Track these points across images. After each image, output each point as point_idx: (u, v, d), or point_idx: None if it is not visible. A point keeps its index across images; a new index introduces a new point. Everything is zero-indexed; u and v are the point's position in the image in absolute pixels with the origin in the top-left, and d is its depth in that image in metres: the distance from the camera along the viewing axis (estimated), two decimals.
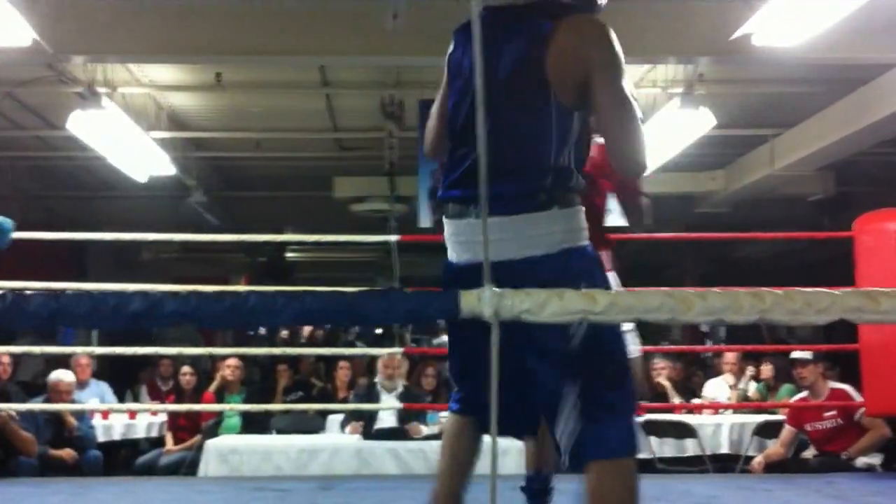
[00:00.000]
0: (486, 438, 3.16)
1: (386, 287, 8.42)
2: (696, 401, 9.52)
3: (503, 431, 2.51)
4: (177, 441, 9.00)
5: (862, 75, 9.46)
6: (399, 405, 7.95)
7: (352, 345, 15.38)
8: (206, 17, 7.88)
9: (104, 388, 9.71)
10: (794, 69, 9.44)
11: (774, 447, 7.89)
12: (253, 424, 8.69)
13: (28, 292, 2.14)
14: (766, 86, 10.32)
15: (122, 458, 9.45)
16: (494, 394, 2.35)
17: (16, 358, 9.93)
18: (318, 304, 2.23)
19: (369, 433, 7.77)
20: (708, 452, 8.26)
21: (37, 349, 8.61)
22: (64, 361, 9.48)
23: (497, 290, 2.09)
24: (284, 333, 17.62)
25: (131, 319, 2.16)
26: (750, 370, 9.58)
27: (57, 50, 8.01)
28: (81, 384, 9.16)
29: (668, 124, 9.99)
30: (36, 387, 9.91)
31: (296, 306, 2.23)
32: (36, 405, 8.08)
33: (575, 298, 2.06)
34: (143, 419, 9.45)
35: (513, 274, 2.66)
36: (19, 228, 6.43)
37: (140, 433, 9.44)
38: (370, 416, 8.07)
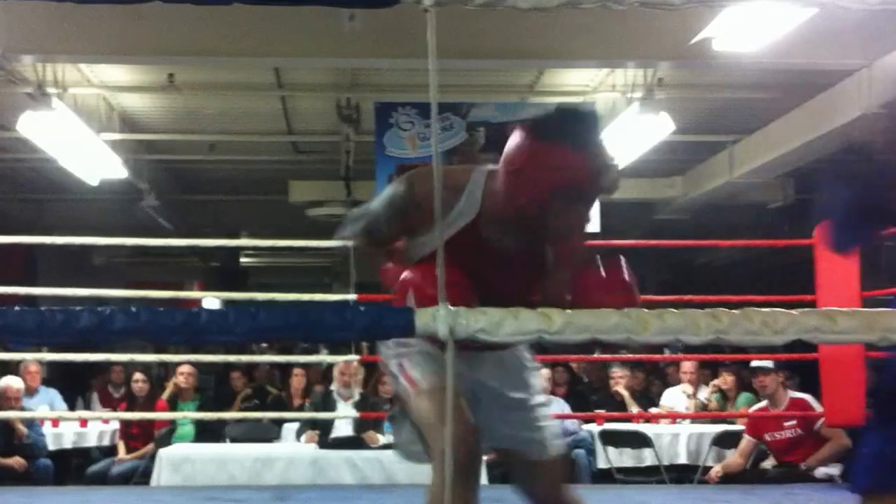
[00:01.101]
0: None
1: (342, 294, 8.31)
2: (654, 410, 9.47)
3: None
4: (129, 450, 8.87)
5: (822, 81, 9.44)
6: (355, 413, 7.85)
7: (309, 351, 15.25)
8: (159, 17, 7.71)
9: (54, 395, 9.53)
10: (754, 74, 9.40)
11: (733, 457, 7.84)
12: (207, 433, 8.56)
13: None
14: (726, 91, 10.29)
15: (74, 467, 9.30)
16: (450, 409, 2.28)
17: None
18: (271, 319, 2.15)
19: (325, 442, 7.66)
20: (665, 462, 8.22)
21: None
22: (13, 368, 9.30)
23: (452, 308, 2.02)
24: None
25: (80, 335, 2.07)
26: (714, 384, 9.53)
27: (5, 49, 7.85)
28: (31, 391, 9.00)
29: (627, 129, 9.94)
30: None
31: (248, 322, 2.14)
32: None
33: (530, 318, 2.00)
34: (95, 427, 9.29)
35: None
36: None
37: (91, 441, 9.28)
38: (326, 425, 7.96)
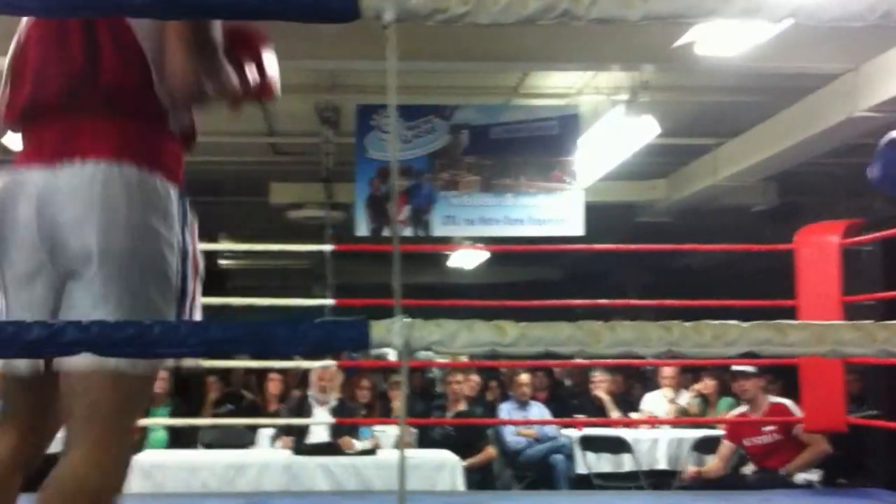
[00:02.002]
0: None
1: (321, 296, 8.25)
2: (634, 415, 9.42)
3: None
4: None
5: (806, 85, 9.41)
6: (331, 420, 7.78)
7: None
8: None
9: None
10: (738, 78, 9.38)
11: (712, 462, 7.80)
12: (180, 438, 8.48)
13: None
14: (710, 94, 10.27)
15: (41, 474, 9.19)
16: (403, 419, 2.23)
17: None
18: (223, 333, 2.11)
19: (300, 448, 7.59)
20: (645, 468, 8.19)
21: None
22: None
23: (408, 320, 2.00)
24: None
25: (29, 348, 2.02)
26: (695, 388, 9.50)
27: None
28: None
29: (612, 132, 9.93)
30: None
31: (200, 335, 2.11)
32: None
33: (484, 330, 1.99)
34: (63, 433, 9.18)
35: None
36: None
37: (58, 447, 9.17)
38: (301, 431, 7.90)
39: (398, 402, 8.88)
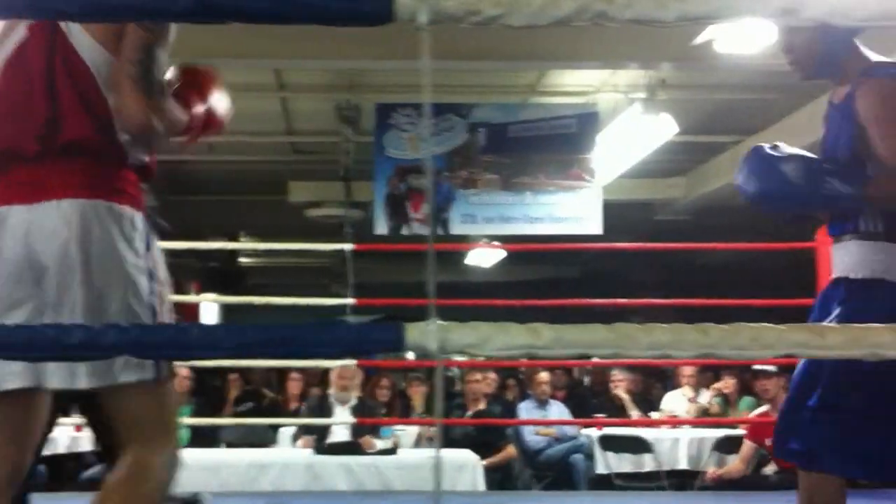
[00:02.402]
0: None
1: (340, 295, 8.26)
2: (654, 414, 9.39)
3: None
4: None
5: (825, 83, 9.35)
6: (352, 419, 7.77)
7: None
8: None
9: None
10: (757, 75, 9.35)
11: (734, 463, 7.76)
12: (201, 437, 8.49)
13: None
14: (729, 92, 10.24)
15: (67, 472, 9.21)
16: (440, 419, 2.23)
17: None
18: (259, 336, 2.13)
19: (321, 447, 7.59)
20: (665, 468, 8.15)
21: None
22: None
23: (443, 323, 2.00)
24: None
25: (71, 351, 2.05)
26: (715, 387, 9.46)
27: None
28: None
29: (630, 130, 9.91)
30: None
31: (235, 338, 2.13)
32: None
33: (519, 333, 1.98)
34: (89, 432, 9.19)
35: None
36: None
37: (86, 446, 9.19)
38: (322, 430, 7.89)
39: (418, 401, 8.87)
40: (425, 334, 2.03)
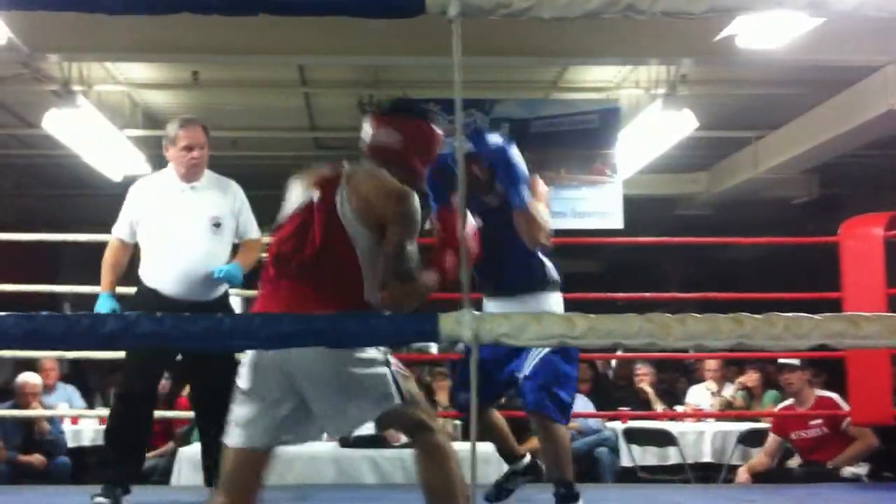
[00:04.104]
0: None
1: None
2: (679, 408, 9.39)
3: None
4: (149, 448, 8.79)
5: (847, 77, 9.38)
6: None
7: None
8: (184, 15, 7.69)
9: (71, 392, 9.45)
10: (778, 71, 9.36)
11: (759, 457, 7.75)
12: None
13: (1, 313, 2.06)
14: (750, 87, 10.25)
15: (92, 465, 9.24)
16: (474, 410, 2.27)
17: None
18: (296, 326, 2.16)
19: (347, 440, 7.61)
20: (690, 461, 8.15)
21: (7, 352, 8.42)
22: (33, 365, 9.28)
23: (476, 313, 2.02)
24: None
25: (105, 341, 2.08)
26: (739, 381, 9.44)
27: (32, 48, 7.87)
28: (48, 388, 8.96)
29: (650, 126, 9.92)
30: (3, 391, 9.74)
31: (271, 328, 2.16)
32: (7, 411, 7.90)
33: (553, 322, 2.00)
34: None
35: None
36: None
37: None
38: None
39: (443, 396, 8.88)
40: (460, 324, 2.06)
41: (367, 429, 7.78)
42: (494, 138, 4.55)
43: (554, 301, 4.73)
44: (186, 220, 5.14)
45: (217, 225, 5.19)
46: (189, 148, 5.25)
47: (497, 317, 2.02)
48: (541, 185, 4.81)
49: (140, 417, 5.24)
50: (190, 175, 5.26)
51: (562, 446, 4.74)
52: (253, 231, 5.43)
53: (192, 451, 7.31)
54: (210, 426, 5.05)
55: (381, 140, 3.54)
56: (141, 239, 5.25)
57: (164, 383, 9.25)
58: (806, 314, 1.87)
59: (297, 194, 3.53)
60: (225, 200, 5.31)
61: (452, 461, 3.37)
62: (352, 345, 2.91)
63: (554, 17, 2.18)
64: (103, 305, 5.10)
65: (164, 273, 5.11)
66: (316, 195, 3.43)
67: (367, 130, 3.57)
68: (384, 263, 3.36)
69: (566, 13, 2.16)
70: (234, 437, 3.32)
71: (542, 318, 2.01)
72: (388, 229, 3.35)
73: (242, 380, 3.34)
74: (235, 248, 5.36)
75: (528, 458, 5.22)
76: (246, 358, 3.35)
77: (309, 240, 3.38)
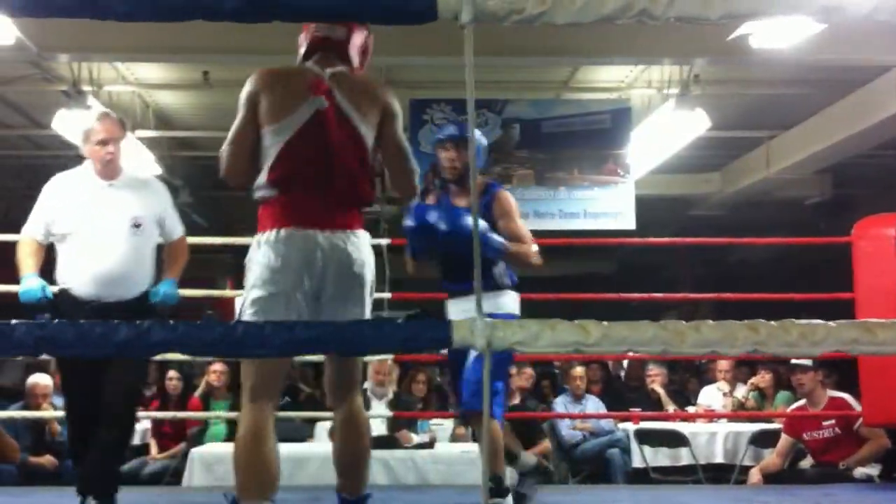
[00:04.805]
0: None
1: (376, 291, 8.25)
2: (690, 408, 9.38)
3: None
4: (161, 449, 8.80)
5: (860, 77, 9.36)
6: (389, 413, 7.80)
7: None
8: None
9: None
10: (791, 71, 9.34)
11: (771, 457, 7.73)
12: None
13: (13, 321, 2.05)
14: (763, 87, 10.23)
15: None
16: (486, 414, 2.26)
17: None
18: (308, 333, 2.16)
19: None
20: (702, 462, 8.12)
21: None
22: (44, 367, 9.29)
23: (489, 320, 2.01)
24: None
25: (118, 348, 2.08)
26: (751, 382, 9.42)
27: (41, 48, 7.87)
28: (59, 389, 8.95)
29: (663, 126, 9.90)
30: (14, 393, 9.74)
31: (285, 335, 2.15)
32: (18, 413, 7.90)
33: (567, 330, 1.98)
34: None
35: None
36: (3, 229, 6.32)
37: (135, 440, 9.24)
38: None
39: (454, 397, 8.87)
40: (473, 332, 2.05)
41: (379, 430, 7.84)
42: None
43: (510, 298, 4.94)
44: (105, 220, 4.88)
45: (137, 225, 4.91)
46: (104, 142, 5.07)
47: (510, 325, 2.01)
48: (510, 200, 4.98)
49: (84, 422, 4.87)
50: (106, 172, 5.08)
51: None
52: (177, 230, 5.16)
53: (204, 452, 7.32)
54: (111, 430, 4.77)
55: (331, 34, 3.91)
56: (57, 239, 4.97)
57: (177, 384, 9.29)
58: (820, 321, 1.85)
59: (293, 106, 3.86)
60: (146, 200, 5.06)
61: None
62: (367, 351, 3.07)
63: (567, 22, 2.18)
64: (31, 283, 4.79)
65: (81, 274, 4.83)
66: (325, 103, 3.75)
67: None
68: (390, 162, 3.88)
69: (579, 18, 2.15)
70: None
71: (557, 325, 1.99)
72: (385, 124, 3.83)
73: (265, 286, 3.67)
74: (160, 248, 5.15)
75: (533, 460, 5.36)
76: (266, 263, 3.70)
77: (327, 145, 3.72)
